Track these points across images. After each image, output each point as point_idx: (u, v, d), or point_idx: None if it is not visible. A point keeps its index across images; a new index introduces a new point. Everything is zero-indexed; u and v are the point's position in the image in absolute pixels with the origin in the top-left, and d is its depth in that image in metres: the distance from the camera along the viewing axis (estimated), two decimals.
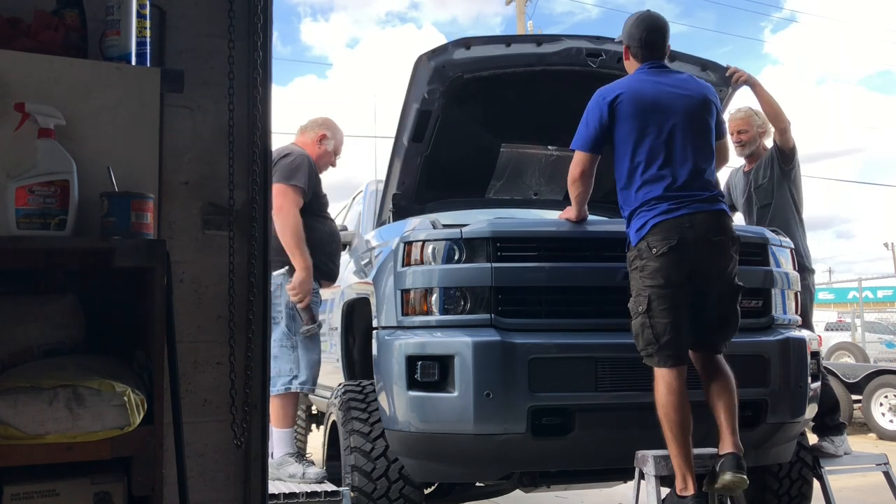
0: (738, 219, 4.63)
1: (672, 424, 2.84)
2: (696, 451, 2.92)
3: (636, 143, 3.01)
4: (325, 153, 4.01)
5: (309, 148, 3.95)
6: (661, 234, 2.91)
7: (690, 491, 2.82)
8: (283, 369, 3.62)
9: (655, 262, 2.90)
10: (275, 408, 3.61)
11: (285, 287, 3.66)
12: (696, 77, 3.30)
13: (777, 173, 4.36)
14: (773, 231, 3.66)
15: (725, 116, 4.36)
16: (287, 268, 3.68)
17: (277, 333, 3.62)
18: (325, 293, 4.14)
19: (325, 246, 3.85)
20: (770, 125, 4.44)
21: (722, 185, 4.73)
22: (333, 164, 4.11)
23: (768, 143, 4.55)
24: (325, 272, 3.86)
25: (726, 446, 2.90)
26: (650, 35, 3.21)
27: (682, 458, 2.85)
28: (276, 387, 3.59)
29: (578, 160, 3.13)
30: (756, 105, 4.36)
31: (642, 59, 3.21)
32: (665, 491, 2.97)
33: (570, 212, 3.30)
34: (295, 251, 3.65)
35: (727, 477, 2.80)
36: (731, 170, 4.83)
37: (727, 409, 2.93)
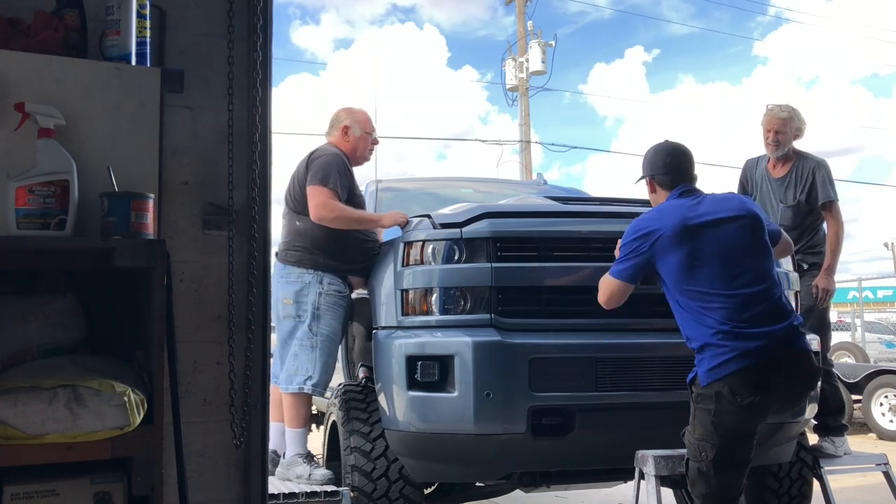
0: None
1: None
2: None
3: (691, 273, 2.70)
4: (356, 141, 3.93)
5: (341, 145, 3.91)
6: (747, 380, 2.57)
7: None
8: (300, 368, 3.58)
9: (737, 411, 2.58)
10: (288, 406, 3.60)
11: (313, 286, 3.63)
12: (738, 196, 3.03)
13: (808, 201, 4.30)
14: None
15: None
16: (314, 270, 3.64)
17: (301, 331, 3.59)
18: None
19: (358, 244, 3.76)
20: (804, 126, 4.39)
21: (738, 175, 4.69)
22: (375, 142, 4.05)
23: (798, 144, 4.44)
24: (360, 270, 3.76)
25: None
26: (674, 159, 2.96)
27: None
28: (292, 385, 3.58)
29: (609, 286, 2.86)
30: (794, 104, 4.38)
31: (670, 187, 2.92)
32: (665, 491, 2.96)
33: None
34: (364, 222, 3.75)
35: None
36: (748, 159, 4.65)
37: None
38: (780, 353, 2.62)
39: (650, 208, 3.03)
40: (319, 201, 3.61)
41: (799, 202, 4.31)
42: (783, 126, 4.34)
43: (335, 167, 3.70)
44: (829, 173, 4.36)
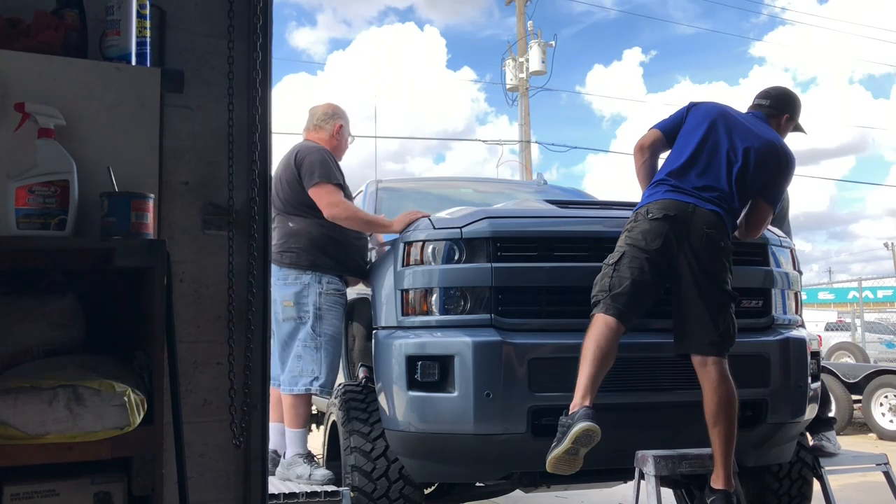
0: None
1: (596, 350, 2.83)
2: (696, 451, 2.92)
3: (687, 142, 3.17)
4: (342, 141, 3.98)
5: (326, 143, 3.90)
6: (662, 205, 3.03)
7: (588, 404, 2.79)
8: (305, 369, 3.58)
9: (645, 224, 3.01)
10: (289, 407, 3.60)
11: (313, 287, 3.63)
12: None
13: None
14: (773, 232, 3.66)
15: None
16: (312, 271, 3.64)
17: (303, 333, 3.59)
18: None
19: (353, 242, 3.78)
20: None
21: None
22: (348, 145, 4.09)
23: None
24: (354, 269, 3.79)
25: (718, 482, 2.90)
26: (759, 97, 3.47)
27: (589, 378, 2.82)
28: (297, 386, 3.58)
29: (647, 133, 3.31)
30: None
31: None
32: (665, 491, 2.96)
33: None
34: (375, 227, 3.70)
35: None
36: None
37: (725, 439, 2.90)
38: (698, 204, 3.03)
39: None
40: (332, 199, 3.62)
41: None
42: None
43: (331, 164, 3.73)
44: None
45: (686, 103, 3.32)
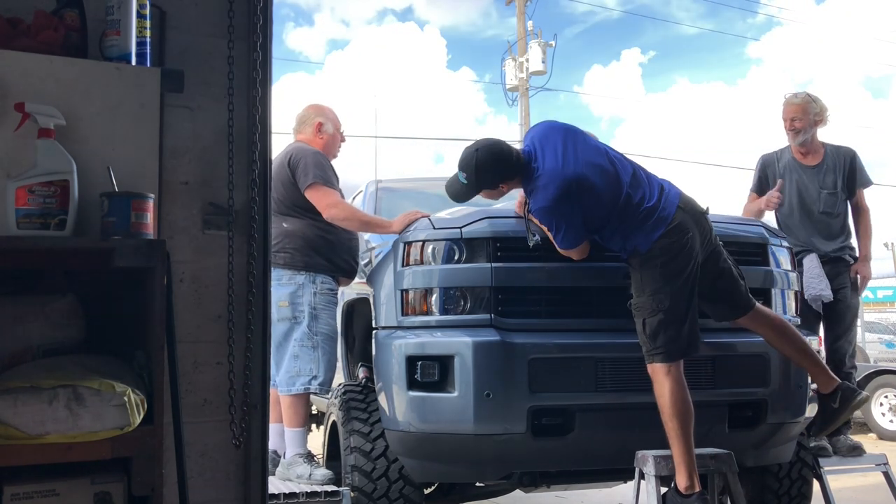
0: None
1: (681, 419, 2.86)
2: (696, 451, 2.92)
3: (600, 202, 3.04)
4: (329, 139, 3.97)
5: (313, 142, 3.91)
6: (675, 229, 3.00)
7: (697, 488, 2.83)
8: (303, 369, 3.58)
9: (679, 251, 2.98)
10: (288, 407, 3.60)
11: (307, 287, 3.64)
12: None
13: (845, 187, 4.39)
14: (772, 231, 3.66)
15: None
16: (307, 271, 3.65)
17: (299, 333, 3.60)
18: None
19: (345, 243, 3.81)
20: (827, 114, 4.40)
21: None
22: (343, 140, 4.08)
23: (821, 133, 4.45)
24: (346, 270, 3.82)
25: (832, 381, 3.20)
26: (503, 148, 3.18)
27: (688, 455, 2.85)
28: (296, 386, 3.58)
29: (583, 251, 3.10)
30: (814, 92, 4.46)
31: (522, 169, 3.12)
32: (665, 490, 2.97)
33: None
34: (374, 227, 3.72)
35: (859, 396, 3.20)
36: (764, 155, 4.61)
37: (808, 354, 3.20)
38: (680, 203, 3.09)
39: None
40: (330, 200, 3.63)
41: (841, 188, 4.36)
42: (798, 112, 4.35)
43: (326, 165, 3.76)
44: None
45: (561, 202, 2.99)
